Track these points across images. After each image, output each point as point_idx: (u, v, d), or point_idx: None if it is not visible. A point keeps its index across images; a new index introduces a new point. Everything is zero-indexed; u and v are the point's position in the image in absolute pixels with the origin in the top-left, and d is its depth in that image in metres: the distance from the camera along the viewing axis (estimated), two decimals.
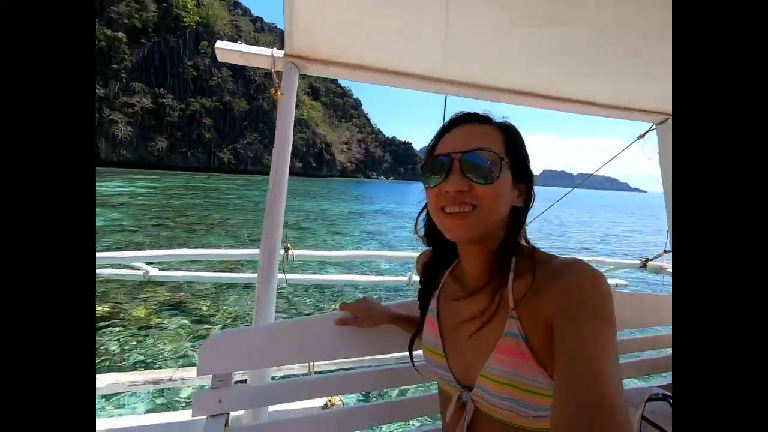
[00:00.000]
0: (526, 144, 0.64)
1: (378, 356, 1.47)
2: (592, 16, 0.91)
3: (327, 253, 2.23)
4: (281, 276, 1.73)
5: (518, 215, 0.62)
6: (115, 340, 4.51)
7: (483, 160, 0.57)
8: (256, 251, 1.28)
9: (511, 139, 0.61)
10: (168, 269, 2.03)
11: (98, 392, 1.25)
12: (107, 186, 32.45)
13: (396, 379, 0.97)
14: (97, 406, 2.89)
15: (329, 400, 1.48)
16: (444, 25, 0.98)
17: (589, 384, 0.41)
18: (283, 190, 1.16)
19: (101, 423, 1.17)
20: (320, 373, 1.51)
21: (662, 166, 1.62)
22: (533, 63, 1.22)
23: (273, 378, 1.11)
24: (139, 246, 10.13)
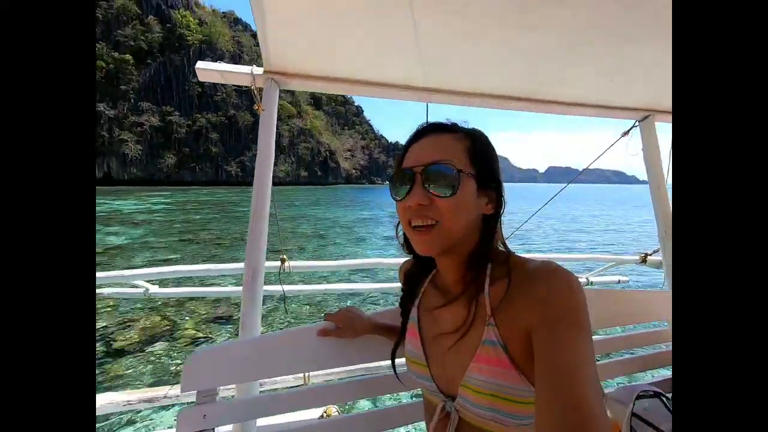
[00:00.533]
0: (496, 149, 0.64)
1: (373, 364, 1.46)
2: (564, 20, 0.91)
3: (324, 263, 2.18)
4: (278, 288, 1.73)
5: (489, 222, 0.62)
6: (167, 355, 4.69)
7: (443, 172, 0.57)
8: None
9: (476, 146, 0.61)
10: (167, 286, 2.05)
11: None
12: (124, 204, 32.97)
13: (389, 386, 0.96)
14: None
15: (325, 411, 1.47)
16: (414, 34, 0.98)
17: (567, 394, 0.42)
18: (266, 205, 1.17)
19: None
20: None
21: (646, 161, 1.61)
22: (512, 67, 1.21)
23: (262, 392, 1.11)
24: (175, 263, 10.31)
